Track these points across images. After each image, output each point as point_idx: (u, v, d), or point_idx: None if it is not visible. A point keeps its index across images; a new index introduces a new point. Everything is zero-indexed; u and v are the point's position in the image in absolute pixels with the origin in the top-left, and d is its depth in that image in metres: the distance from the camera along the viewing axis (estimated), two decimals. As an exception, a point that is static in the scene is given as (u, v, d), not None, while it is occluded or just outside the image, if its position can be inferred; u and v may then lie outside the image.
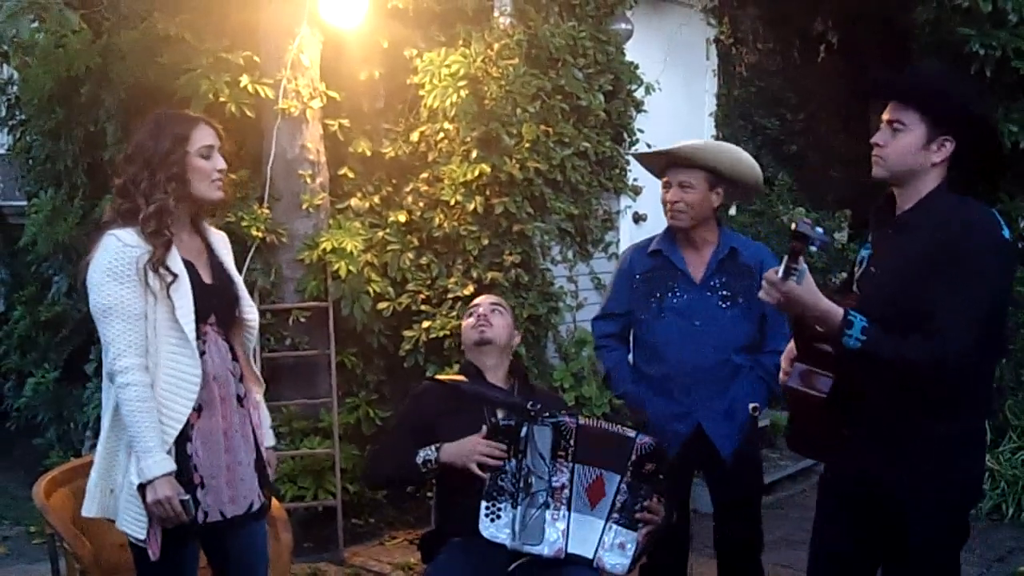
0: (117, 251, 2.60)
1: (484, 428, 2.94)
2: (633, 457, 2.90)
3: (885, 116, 2.59)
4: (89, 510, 2.74)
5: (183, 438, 2.64)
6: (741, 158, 3.52)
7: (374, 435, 5.06)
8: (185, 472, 2.64)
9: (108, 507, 2.69)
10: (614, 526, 2.89)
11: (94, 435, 3.13)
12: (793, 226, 2.31)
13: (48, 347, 6.37)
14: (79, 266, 2.71)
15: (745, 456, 3.54)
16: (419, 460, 3.00)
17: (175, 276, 2.63)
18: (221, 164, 2.76)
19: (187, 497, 2.57)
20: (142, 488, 2.54)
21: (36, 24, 4.38)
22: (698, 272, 3.50)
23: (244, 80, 4.76)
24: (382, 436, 3.65)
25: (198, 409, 2.67)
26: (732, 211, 6.78)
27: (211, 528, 2.72)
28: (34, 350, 6.51)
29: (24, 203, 6.79)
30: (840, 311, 2.38)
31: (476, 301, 3.45)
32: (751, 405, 3.41)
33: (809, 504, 2.91)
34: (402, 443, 3.11)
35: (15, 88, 6.53)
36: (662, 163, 3.55)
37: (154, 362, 2.60)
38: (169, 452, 2.59)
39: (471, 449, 2.92)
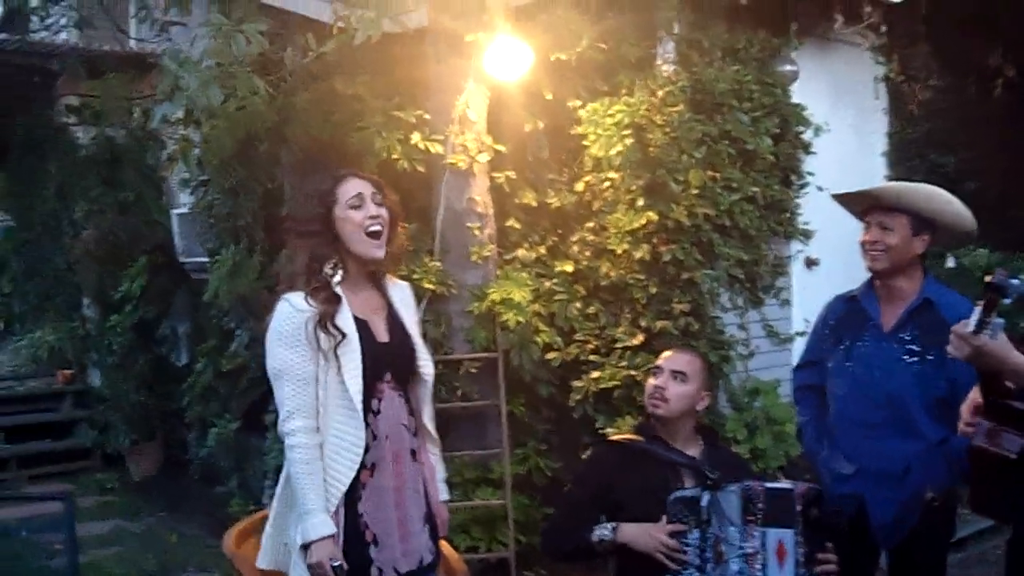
0: (287, 316, 2.68)
1: (664, 518, 2.79)
2: (799, 507, 2.79)
3: None
4: (263, 561, 2.80)
5: (354, 497, 2.67)
6: (951, 202, 3.26)
7: (545, 489, 5.04)
8: (356, 530, 2.67)
9: (281, 561, 2.75)
10: None
11: (274, 483, 3.24)
12: (988, 278, 2.16)
13: (229, 397, 6.61)
14: (262, 328, 2.79)
15: (923, 558, 3.24)
16: (595, 538, 2.88)
17: (343, 336, 2.66)
18: (373, 211, 2.74)
19: (339, 563, 2.58)
20: (305, 548, 2.59)
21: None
22: (889, 321, 3.27)
23: (415, 137, 4.88)
24: (557, 504, 3.53)
25: (370, 468, 2.70)
26: (950, 262, 6.48)
27: None
28: (216, 400, 6.77)
29: (205, 259, 7.12)
30: None
31: (664, 357, 3.16)
32: (928, 495, 3.15)
33: (1000, 561, 2.71)
34: (578, 513, 2.98)
35: (197, 151, 6.87)
36: (864, 204, 3.35)
37: (324, 423, 2.66)
38: (336, 512, 2.63)
39: (654, 537, 2.79)
